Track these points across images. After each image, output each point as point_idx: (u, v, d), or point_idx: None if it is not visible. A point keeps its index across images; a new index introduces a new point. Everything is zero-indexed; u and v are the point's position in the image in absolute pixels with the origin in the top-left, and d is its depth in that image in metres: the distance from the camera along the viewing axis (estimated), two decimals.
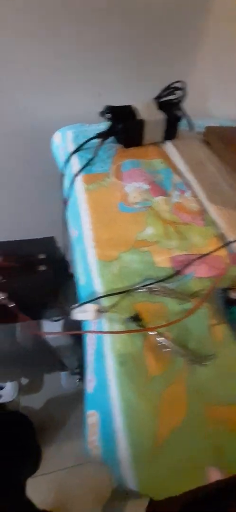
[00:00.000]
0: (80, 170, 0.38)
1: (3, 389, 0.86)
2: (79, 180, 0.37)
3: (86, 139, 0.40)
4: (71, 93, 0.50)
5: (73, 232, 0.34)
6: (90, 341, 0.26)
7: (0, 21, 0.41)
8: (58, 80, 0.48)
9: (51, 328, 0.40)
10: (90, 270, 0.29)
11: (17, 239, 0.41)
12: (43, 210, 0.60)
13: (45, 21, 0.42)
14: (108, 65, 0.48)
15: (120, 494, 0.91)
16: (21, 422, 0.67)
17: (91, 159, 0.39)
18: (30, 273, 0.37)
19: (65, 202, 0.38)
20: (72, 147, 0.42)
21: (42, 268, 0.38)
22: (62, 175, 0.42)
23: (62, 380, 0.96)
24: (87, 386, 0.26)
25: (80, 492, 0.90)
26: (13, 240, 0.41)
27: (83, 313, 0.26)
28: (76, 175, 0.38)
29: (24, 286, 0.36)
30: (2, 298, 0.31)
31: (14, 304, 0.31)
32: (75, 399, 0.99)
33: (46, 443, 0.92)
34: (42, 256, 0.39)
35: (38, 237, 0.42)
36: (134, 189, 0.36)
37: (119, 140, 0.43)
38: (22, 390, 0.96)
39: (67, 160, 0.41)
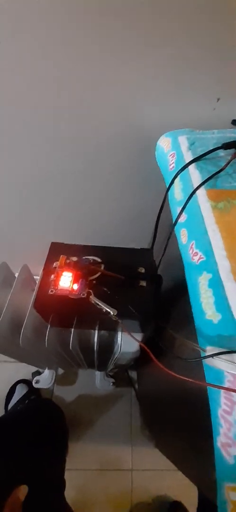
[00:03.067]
0: (203, 183, 0.34)
1: (41, 375, 0.86)
2: (202, 195, 0.33)
3: (209, 148, 0.36)
4: (181, 95, 0.45)
5: (195, 254, 0.30)
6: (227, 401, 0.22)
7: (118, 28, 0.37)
8: (170, 81, 0.44)
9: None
10: (229, 307, 0.25)
11: (114, 246, 0.38)
12: (135, 218, 0.58)
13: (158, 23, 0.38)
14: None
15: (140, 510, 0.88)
16: (53, 410, 0.67)
17: (217, 172, 0.34)
18: (131, 288, 0.34)
19: (177, 217, 0.34)
20: (188, 155, 0.38)
21: (143, 283, 0.35)
22: (170, 185, 0.38)
23: (96, 380, 0.94)
24: (224, 450, 0.21)
25: (101, 498, 0.88)
26: (111, 246, 0.38)
27: (226, 362, 0.22)
28: (197, 188, 0.34)
29: (126, 301, 0.33)
30: (115, 316, 0.28)
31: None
32: (106, 402, 0.97)
33: (72, 439, 0.92)
34: (142, 270, 0.36)
35: (134, 247, 0.39)
36: None
37: None
38: (57, 380, 0.96)
39: (182, 170, 0.37)
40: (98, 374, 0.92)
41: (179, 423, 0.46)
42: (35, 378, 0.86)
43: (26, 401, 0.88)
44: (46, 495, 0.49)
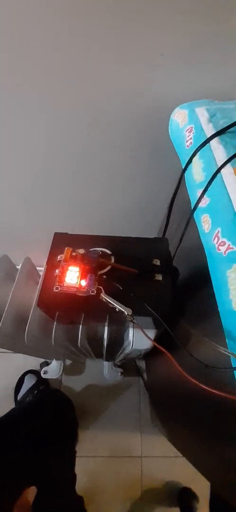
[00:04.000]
0: (229, 160, 0.29)
1: (49, 366, 0.85)
2: (229, 174, 0.28)
3: (234, 120, 0.31)
4: (196, 64, 0.39)
5: (222, 244, 0.26)
6: None
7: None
8: (184, 47, 0.38)
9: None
10: None
11: (126, 236, 0.34)
12: (145, 205, 0.53)
13: None
14: None
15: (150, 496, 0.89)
16: (62, 400, 0.67)
17: None
18: (146, 283, 0.30)
19: (197, 200, 0.30)
20: (209, 129, 0.33)
21: (159, 277, 0.31)
22: (187, 164, 0.34)
23: (104, 370, 0.93)
24: None
25: (111, 485, 0.89)
26: (123, 236, 0.34)
27: None
28: (222, 166, 0.29)
29: (141, 298, 0.29)
30: (129, 317, 0.25)
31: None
32: (115, 391, 0.97)
33: (81, 427, 0.92)
34: (157, 262, 0.32)
35: (148, 236, 0.35)
36: None
37: None
38: (65, 370, 0.95)
39: (202, 146, 0.32)
40: (106, 364, 0.91)
41: (190, 417, 0.43)
42: (43, 369, 0.86)
43: (35, 392, 0.88)
44: (56, 492, 0.48)
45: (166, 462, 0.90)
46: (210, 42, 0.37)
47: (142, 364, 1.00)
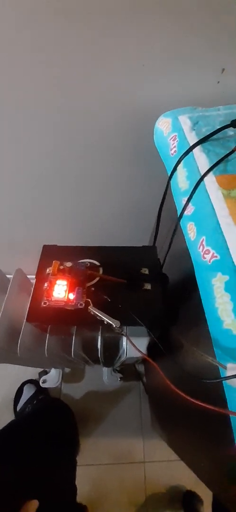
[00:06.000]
0: (211, 169, 0.29)
1: (48, 374, 0.85)
2: (211, 182, 0.29)
3: (216, 127, 0.31)
4: (180, 70, 0.39)
5: (206, 253, 0.26)
6: None
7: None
8: (166, 51, 0.39)
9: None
10: None
11: (113, 245, 0.34)
12: (134, 213, 0.53)
13: None
14: None
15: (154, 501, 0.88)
16: (62, 409, 0.66)
17: (228, 155, 0.29)
18: (135, 293, 0.30)
19: (183, 208, 0.30)
20: (192, 137, 0.33)
21: (147, 287, 0.31)
22: (172, 172, 0.34)
23: (103, 376, 0.93)
24: None
25: (115, 492, 0.88)
26: (112, 246, 0.34)
27: None
28: (205, 174, 0.29)
29: (129, 309, 0.29)
30: (118, 328, 0.25)
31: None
32: (115, 396, 0.97)
33: (82, 435, 0.92)
34: (145, 271, 0.32)
35: (139, 245, 0.35)
36: None
37: None
38: (64, 378, 0.95)
39: (185, 154, 0.32)
40: (105, 370, 0.91)
41: (187, 421, 0.43)
42: (42, 378, 0.85)
43: (35, 402, 0.88)
44: (57, 503, 0.47)
45: (169, 466, 0.90)
46: (189, 49, 0.37)
47: (142, 368, 0.99)
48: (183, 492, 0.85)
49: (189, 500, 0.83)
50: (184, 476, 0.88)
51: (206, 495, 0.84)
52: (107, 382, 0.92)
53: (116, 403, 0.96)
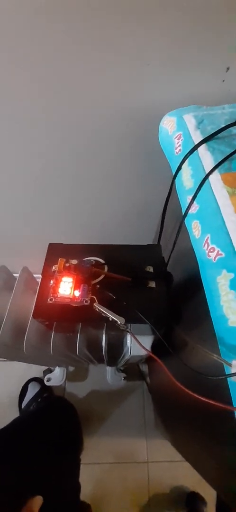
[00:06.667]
0: (216, 167, 0.29)
1: (52, 373, 0.85)
2: (217, 180, 0.29)
3: (221, 126, 0.31)
4: (185, 69, 0.40)
5: (211, 250, 0.26)
6: None
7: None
8: (170, 50, 0.39)
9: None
10: None
11: (118, 244, 0.34)
12: (139, 212, 0.53)
13: None
14: None
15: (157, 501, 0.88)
16: (66, 408, 0.67)
17: (233, 153, 0.29)
18: (140, 290, 0.31)
19: (188, 206, 0.30)
20: (197, 135, 0.33)
21: (152, 285, 0.31)
22: (177, 171, 0.34)
23: (107, 375, 0.93)
24: None
25: (118, 491, 0.88)
26: (117, 244, 0.34)
27: None
28: (210, 172, 0.29)
29: (134, 306, 0.29)
30: (123, 325, 0.25)
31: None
32: (119, 396, 0.97)
33: (86, 434, 0.92)
34: (150, 269, 0.33)
35: (144, 243, 0.35)
36: None
37: None
38: (68, 376, 0.96)
39: (190, 152, 0.32)
40: (109, 369, 0.91)
41: (190, 420, 0.43)
42: (46, 376, 0.86)
43: (39, 400, 0.88)
44: (61, 501, 0.48)
45: (172, 466, 0.89)
46: (194, 48, 0.37)
47: (145, 368, 0.99)
48: (187, 493, 0.84)
49: (192, 501, 0.83)
50: (187, 477, 0.87)
51: (209, 496, 0.84)
52: (110, 382, 0.92)
53: (120, 402, 0.96)
